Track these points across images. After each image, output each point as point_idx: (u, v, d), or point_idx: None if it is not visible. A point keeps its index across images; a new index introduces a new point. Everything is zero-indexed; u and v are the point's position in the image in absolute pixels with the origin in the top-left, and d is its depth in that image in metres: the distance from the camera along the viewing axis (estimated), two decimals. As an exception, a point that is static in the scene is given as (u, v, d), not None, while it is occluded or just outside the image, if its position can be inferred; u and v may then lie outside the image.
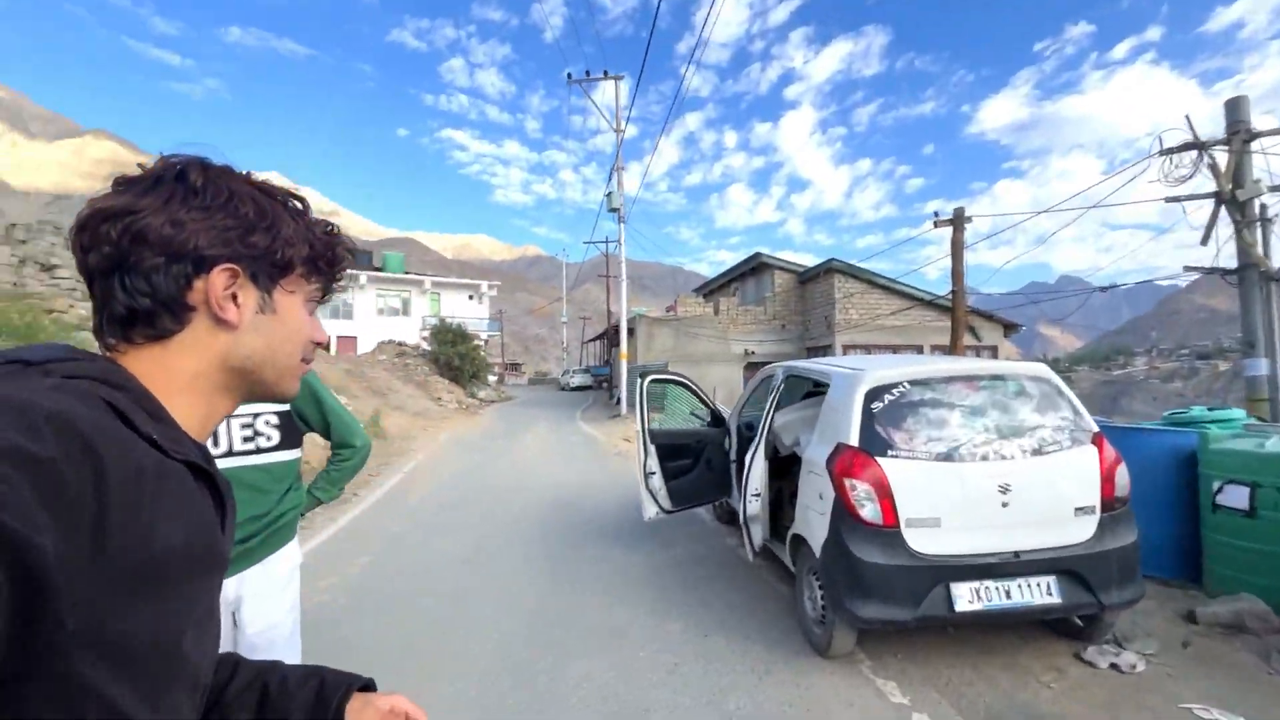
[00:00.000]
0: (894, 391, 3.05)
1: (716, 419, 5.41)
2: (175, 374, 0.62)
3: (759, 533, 3.71)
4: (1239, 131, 4.90)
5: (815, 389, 4.88)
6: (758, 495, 3.64)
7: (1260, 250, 4.67)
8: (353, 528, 5.91)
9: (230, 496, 0.66)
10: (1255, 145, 4.94)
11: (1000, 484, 2.84)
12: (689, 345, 20.64)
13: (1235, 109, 5.21)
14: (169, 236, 0.59)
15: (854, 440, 2.94)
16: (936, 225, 9.38)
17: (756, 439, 3.74)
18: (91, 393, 0.51)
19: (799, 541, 3.35)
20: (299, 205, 0.70)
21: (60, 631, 0.42)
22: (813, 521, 3.12)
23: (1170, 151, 5.11)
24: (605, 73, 18.10)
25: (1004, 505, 2.83)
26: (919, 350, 19.28)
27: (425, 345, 25.32)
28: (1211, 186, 5.02)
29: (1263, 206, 4.85)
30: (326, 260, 0.72)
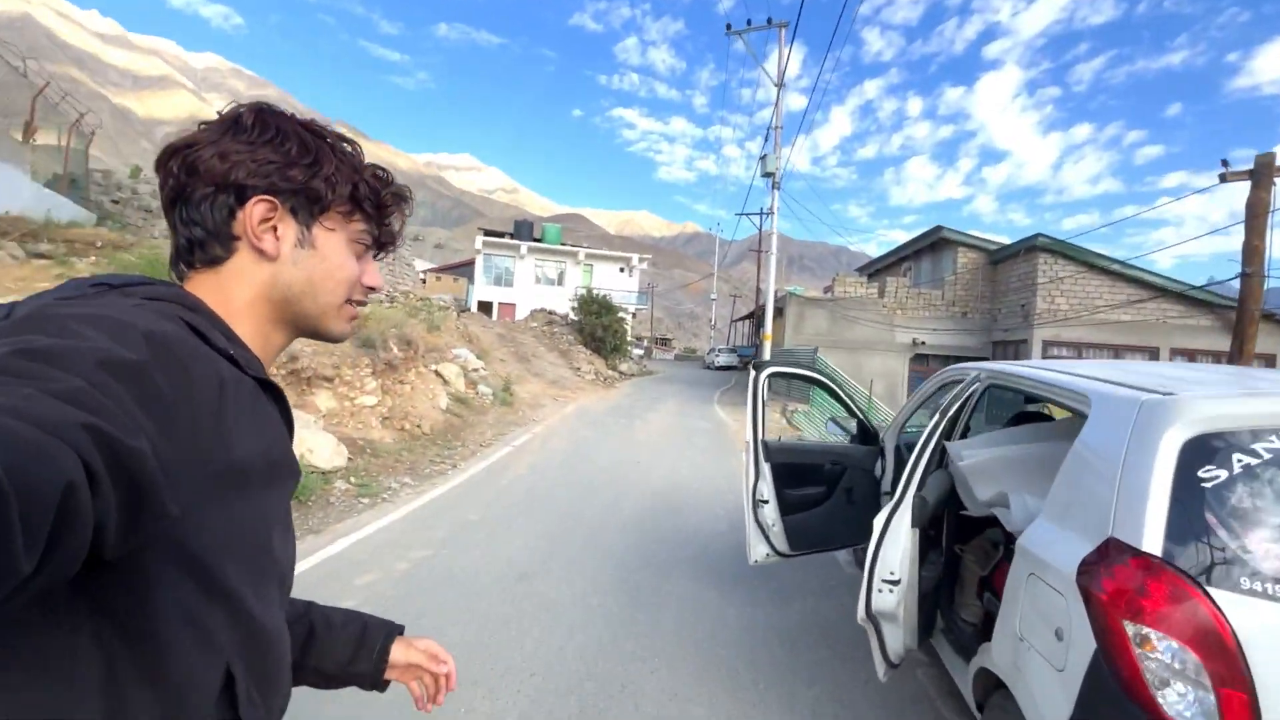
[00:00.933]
0: (1252, 448, 1.46)
1: (866, 433, 3.92)
2: (230, 300, 0.67)
3: (897, 639, 2.27)
4: None
5: (1029, 413, 3.19)
6: (894, 581, 2.15)
7: None
8: (431, 508, 5.37)
9: (291, 415, 0.70)
10: None
11: None
12: (845, 330, 18.26)
13: None
14: (215, 168, 0.64)
15: (1149, 541, 1.42)
16: (1225, 179, 6.51)
17: (902, 485, 2.23)
18: (170, 312, 0.57)
19: (994, 685, 1.90)
20: (347, 147, 0.72)
21: (166, 518, 0.46)
22: (1032, 669, 1.66)
23: None
24: (769, 20, 16.14)
25: None
26: (1153, 356, 15.07)
27: (573, 315, 25.66)
28: None
29: None
30: (372, 202, 0.73)
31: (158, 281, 0.62)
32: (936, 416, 2.53)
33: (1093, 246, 16.37)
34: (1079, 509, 1.66)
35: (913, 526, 2.07)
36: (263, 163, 0.65)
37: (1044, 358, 15.52)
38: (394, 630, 0.92)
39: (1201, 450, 1.47)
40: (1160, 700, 1.32)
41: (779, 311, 18.87)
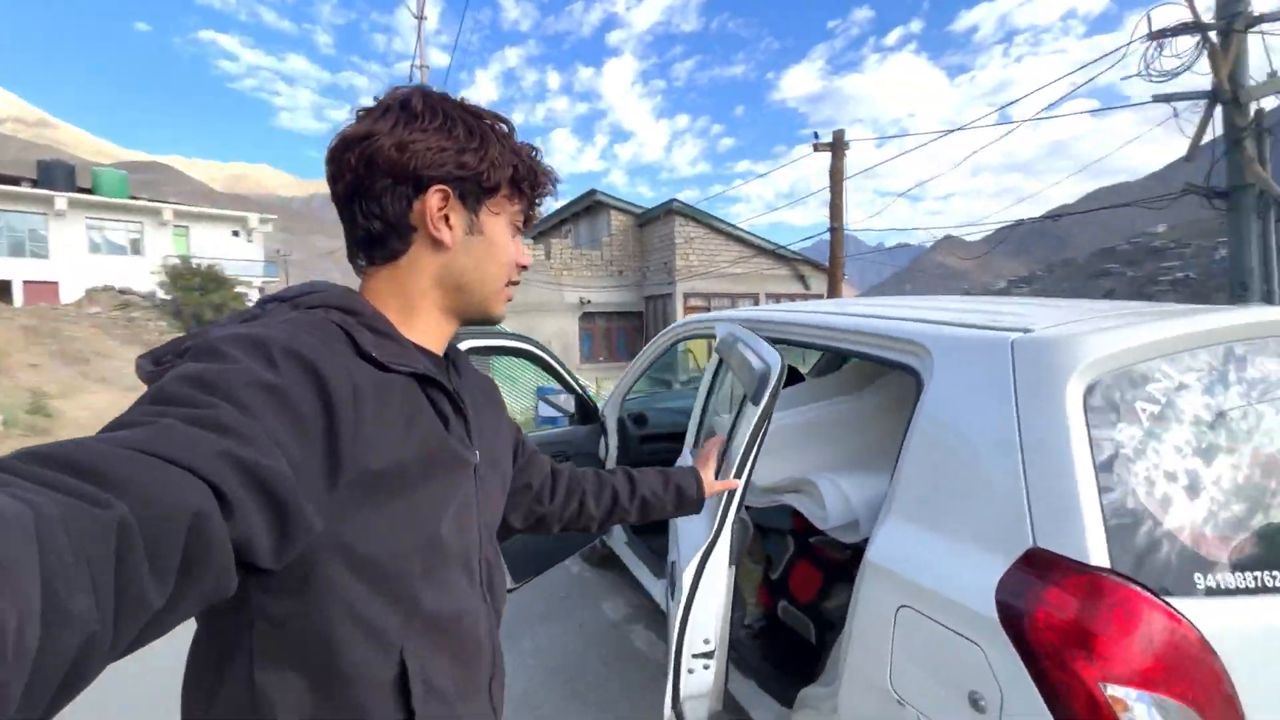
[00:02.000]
0: (1149, 392, 1.12)
1: (585, 410, 3.23)
2: (408, 293, 0.69)
3: (702, 710, 1.60)
4: (1238, 14, 3.86)
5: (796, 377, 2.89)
6: (709, 654, 1.38)
7: (1262, 169, 3.76)
8: None
9: (467, 398, 0.74)
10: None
11: None
12: (518, 294, 17.75)
13: None
14: (394, 159, 0.64)
15: (1094, 549, 0.96)
16: (816, 149, 8.06)
17: (719, 512, 1.34)
18: (325, 319, 0.60)
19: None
20: (504, 127, 0.71)
21: (314, 531, 0.50)
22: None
23: (1161, 35, 3.97)
24: (399, -61, 13.88)
25: None
26: (755, 300, 18.86)
27: (163, 293, 19.17)
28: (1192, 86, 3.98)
29: (1259, 112, 3.98)
30: (530, 182, 0.74)
31: (327, 287, 0.66)
32: (708, 395, 1.93)
33: (713, 212, 19.42)
34: (959, 507, 1.16)
35: (730, 564, 1.37)
36: (437, 151, 0.66)
37: (685, 309, 17.95)
38: (698, 480, 1.19)
39: (1104, 404, 1.08)
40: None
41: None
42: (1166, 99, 4.06)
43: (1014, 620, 0.99)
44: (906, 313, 1.55)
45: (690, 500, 1.18)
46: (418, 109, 0.66)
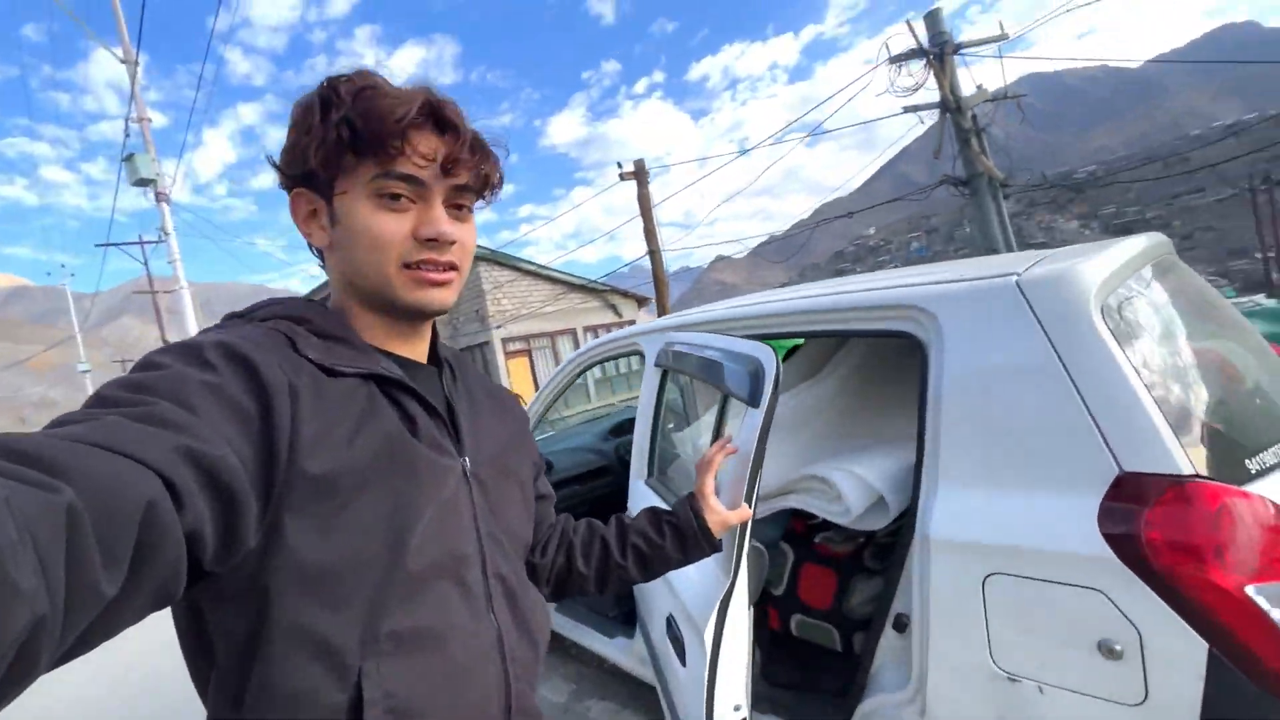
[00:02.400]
0: (1130, 302, 1.20)
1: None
2: (337, 301, 0.68)
3: None
4: (945, 41, 4.90)
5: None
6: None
7: (986, 159, 4.77)
8: None
9: (463, 401, 0.73)
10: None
11: None
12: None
13: (934, 21, 5.33)
14: (281, 167, 0.65)
15: (1180, 459, 0.98)
16: (623, 178, 8.38)
17: (735, 552, 1.07)
18: (272, 328, 0.59)
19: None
20: (322, 89, 0.62)
21: (261, 525, 0.50)
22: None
23: (899, 59, 4.85)
24: (85, -27, 11.50)
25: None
26: (574, 337, 19.00)
27: None
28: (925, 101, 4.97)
29: (974, 116, 5.03)
30: (361, 132, 0.59)
31: (285, 300, 0.65)
32: (654, 417, 1.72)
33: (520, 254, 19.28)
34: (1023, 456, 1.13)
35: (750, 605, 1.18)
36: (286, 152, 0.64)
37: (505, 354, 17.38)
38: (694, 509, 0.93)
39: (1118, 322, 1.13)
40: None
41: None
42: (913, 109, 4.97)
43: (1132, 551, 0.97)
44: (877, 284, 1.53)
45: (695, 540, 0.91)
46: (295, 115, 0.62)
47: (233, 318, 0.64)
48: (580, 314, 19.20)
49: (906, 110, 5.17)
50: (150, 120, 11.27)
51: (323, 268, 0.68)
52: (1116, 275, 1.23)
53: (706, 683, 1.08)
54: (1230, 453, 1.06)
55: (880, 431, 1.77)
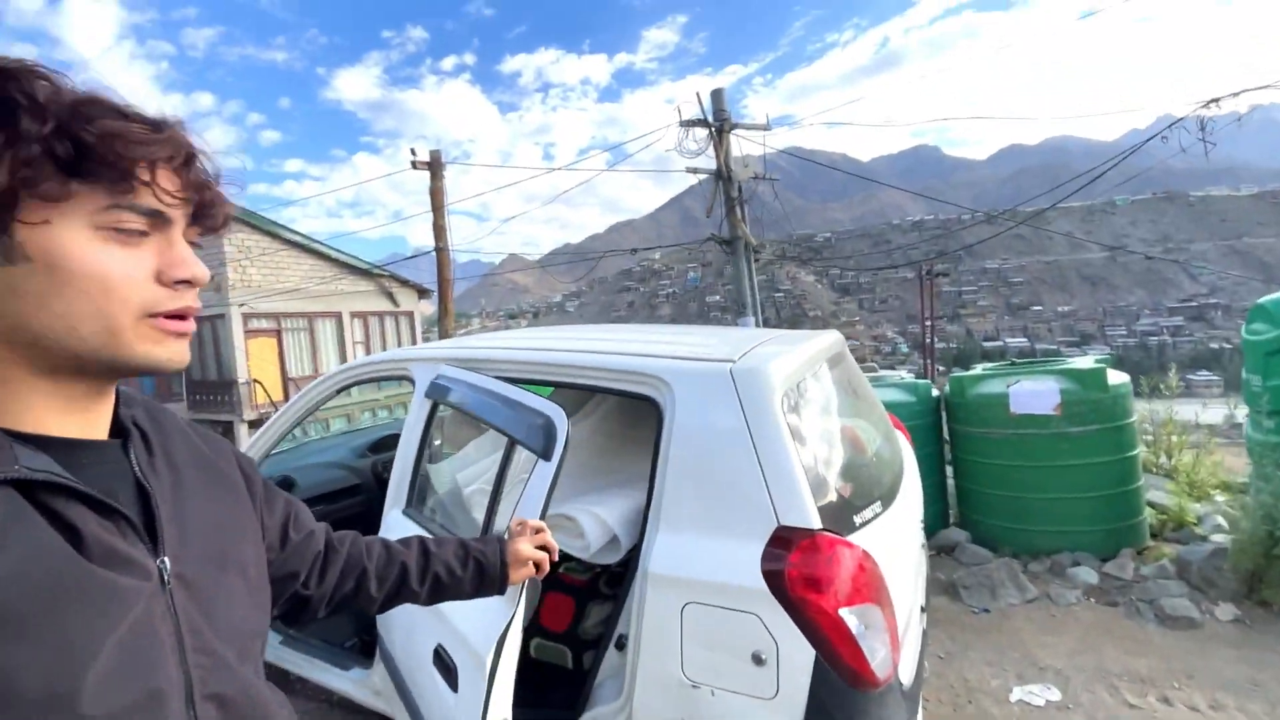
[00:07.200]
0: (800, 389, 1.61)
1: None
2: None
3: None
4: (725, 119, 5.67)
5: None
6: None
7: (745, 226, 5.61)
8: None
9: (164, 481, 0.59)
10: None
11: (920, 522, 1.89)
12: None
13: (718, 99, 6.09)
14: None
15: (811, 515, 1.36)
16: (415, 167, 7.78)
17: (519, 597, 1.15)
18: None
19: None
20: (20, 82, 0.46)
21: None
22: (728, 712, 1.36)
23: (689, 124, 5.46)
24: None
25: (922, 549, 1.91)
26: (339, 320, 17.07)
27: None
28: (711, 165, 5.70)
29: (740, 188, 5.86)
30: (92, 158, 0.48)
31: None
32: (420, 446, 1.74)
33: (279, 216, 16.66)
34: (718, 509, 1.44)
35: (522, 630, 1.31)
36: None
37: (246, 332, 14.87)
38: (503, 554, 0.99)
39: (789, 408, 1.52)
40: (872, 662, 1.31)
41: None
42: (693, 171, 5.66)
43: (778, 584, 1.31)
44: (627, 346, 1.78)
45: (491, 579, 0.98)
46: None
47: None
48: (349, 298, 17.34)
49: (688, 170, 5.94)
50: None
51: None
52: (800, 369, 1.63)
53: (483, 705, 1.14)
54: (845, 510, 1.49)
55: (624, 470, 2.03)
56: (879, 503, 1.62)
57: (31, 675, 0.43)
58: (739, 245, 5.80)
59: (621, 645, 1.55)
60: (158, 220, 0.53)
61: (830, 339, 2.07)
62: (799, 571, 1.31)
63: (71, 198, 0.48)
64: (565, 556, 1.91)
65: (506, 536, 1.05)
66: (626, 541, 1.68)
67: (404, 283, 19.68)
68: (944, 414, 4.01)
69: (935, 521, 3.85)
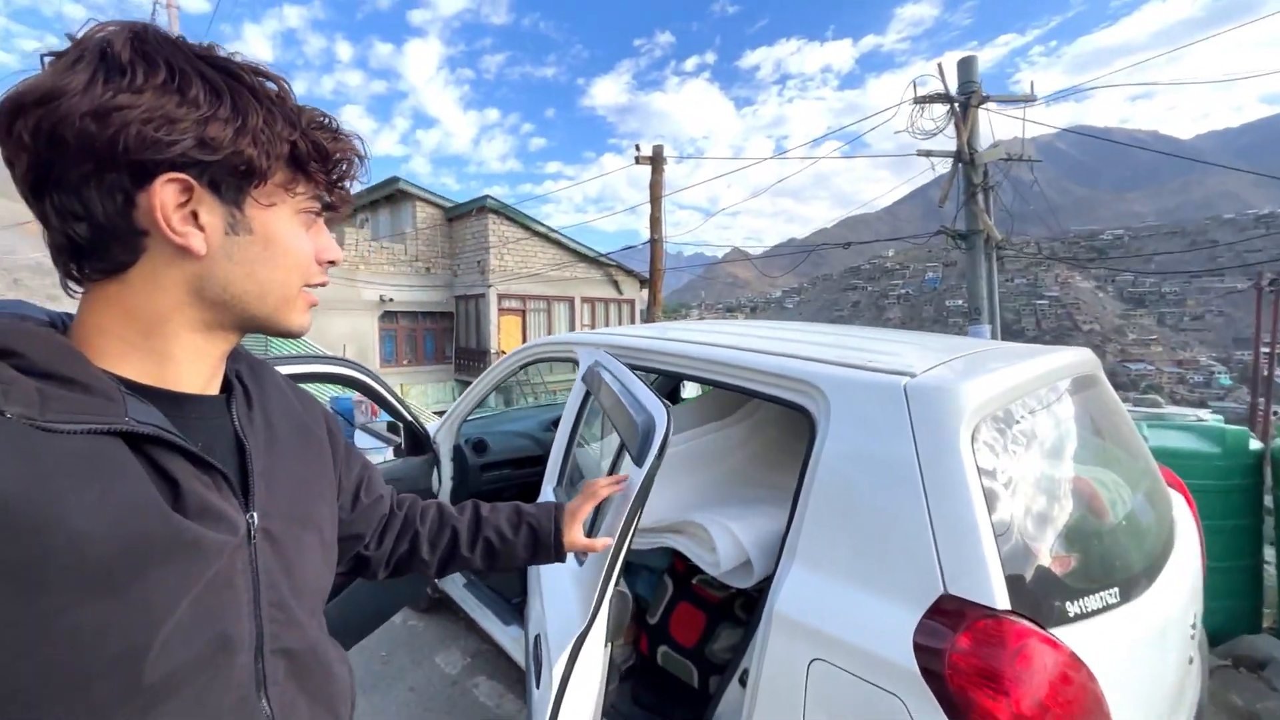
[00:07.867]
0: (1015, 434, 1.23)
1: (416, 439, 2.83)
2: (141, 315, 0.52)
3: None
4: (972, 91, 4.86)
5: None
6: None
7: (988, 218, 4.77)
8: None
9: (259, 436, 0.61)
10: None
11: (1191, 624, 1.36)
12: (301, 289, 15.55)
13: (966, 69, 5.29)
14: (91, 135, 0.44)
15: (998, 593, 1.02)
16: (639, 161, 8.30)
17: (599, 588, 1.05)
18: None
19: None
20: (274, 87, 0.53)
21: None
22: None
23: (922, 101, 4.81)
24: None
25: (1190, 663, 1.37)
26: (571, 304, 18.95)
27: None
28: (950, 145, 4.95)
29: (985, 172, 5.01)
30: (318, 159, 0.56)
31: None
32: (572, 429, 1.75)
33: (523, 209, 19.08)
34: (867, 554, 1.17)
35: (606, 644, 1.21)
36: (162, 122, 0.46)
37: (499, 311, 17.34)
38: (557, 520, 0.98)
39: (985, 444, 1.17)
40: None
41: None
42: (927, 154, 4.94)
43: (935, 666, 1.01)
44: (788, 346, 1.56)
45: (545, 547, 0.96)
46: (124, 58, 0.45)
47: None
48: (580, 284, 19.12)
49: (920, 154, 5.15)
50: (177, 7, 11.00)
51: (82, 272, 0.51)
52: (1010, 393, 1.25)
53: (550, 712, 1.10)
54: (1055, 591, 1.10)
55: (776, 485, 1.81)
56: (1116, 589, 1.17)
57: (113, 633, 0.44)
58: (977, 240, 4.84)
59: (744, 681, 1.37)
60: (325, 211, 0.61)
61: (1073, 357, 1.58)
62: (967, 660, 0.99)
63: (290, 185, 0.56)
64: (696, 568, 1.78)
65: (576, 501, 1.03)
66: (760, 568, 1.47)
67: (629, 272, 21.07)
68: (1268, 475, 2.89)
69: (1237, 622, 2.81)
